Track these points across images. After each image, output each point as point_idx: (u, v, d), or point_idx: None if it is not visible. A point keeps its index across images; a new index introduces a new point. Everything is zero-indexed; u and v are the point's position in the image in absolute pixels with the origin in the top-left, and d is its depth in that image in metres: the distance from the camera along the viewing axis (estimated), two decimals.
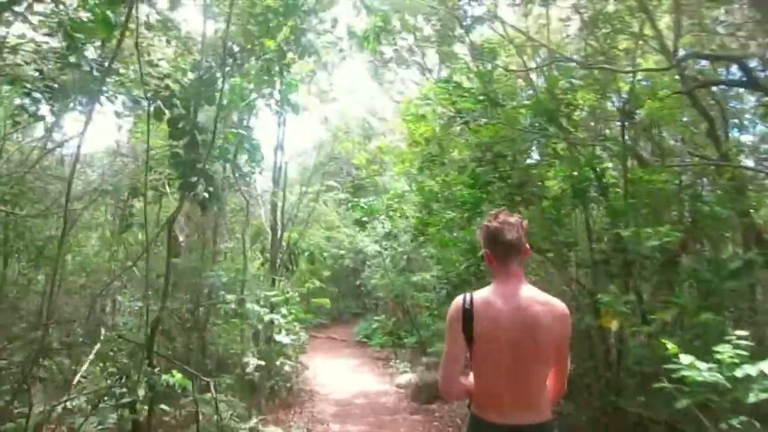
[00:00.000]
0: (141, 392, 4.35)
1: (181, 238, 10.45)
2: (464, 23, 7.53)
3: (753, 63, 6.08)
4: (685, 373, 3.00)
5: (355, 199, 11.01)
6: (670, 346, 3.15)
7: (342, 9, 10.88)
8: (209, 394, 5.51)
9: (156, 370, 5.06)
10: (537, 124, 6.15)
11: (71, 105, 4.96)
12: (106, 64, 3.94)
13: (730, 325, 4.16)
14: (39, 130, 7.18)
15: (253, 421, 6.57)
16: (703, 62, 7.41)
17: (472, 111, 6.45)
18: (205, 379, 5.34)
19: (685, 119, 7.40)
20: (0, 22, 4.01)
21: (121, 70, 5.09)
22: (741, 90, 7.50)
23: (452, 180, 8.19)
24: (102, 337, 7.76)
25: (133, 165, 10.49)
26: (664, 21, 6.98)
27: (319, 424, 7.71)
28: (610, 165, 7.89)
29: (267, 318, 5.23)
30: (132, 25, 4.38)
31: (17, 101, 5.54)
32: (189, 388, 4.56)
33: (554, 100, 6.69)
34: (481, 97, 6.30)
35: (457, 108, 6.53)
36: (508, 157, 6.25)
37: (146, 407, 4.78)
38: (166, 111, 4.05)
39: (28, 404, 4.82)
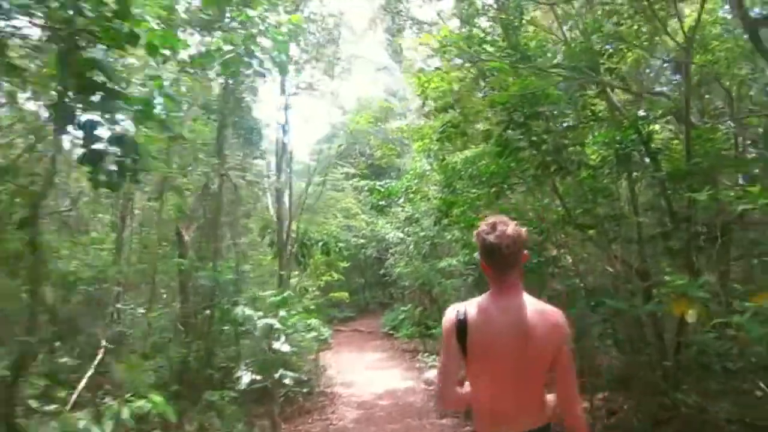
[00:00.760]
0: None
1: (186, 237, 9.76)
2: None
3: None
4: None
5: (372, 182, 10.10)
6: None
7: None
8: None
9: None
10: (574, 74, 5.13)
11: None
12: None
13: None
14: None
15: None
16: None
17: (494, 68, 5.47)
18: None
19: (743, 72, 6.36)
20: None
21: None
22: None
23: (476, 154, 7.24)
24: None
25: None
26: None
27: None
28: (657, 127, 6.94)
29: (261, 323, 4.38)
30: None
31: None
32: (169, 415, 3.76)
33: (591, 51, 5.70)
34: (506, 51, 5.31)
35: (478, 62, 5.55)
36: (540, 119, 5.26)
37: None
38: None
39: None
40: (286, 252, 7.96)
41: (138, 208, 9.95)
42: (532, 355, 2.17)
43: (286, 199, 8.66)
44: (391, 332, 16.04)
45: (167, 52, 3.35)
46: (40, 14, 2.89)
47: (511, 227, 2.22)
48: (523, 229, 2.28)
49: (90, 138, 2.88)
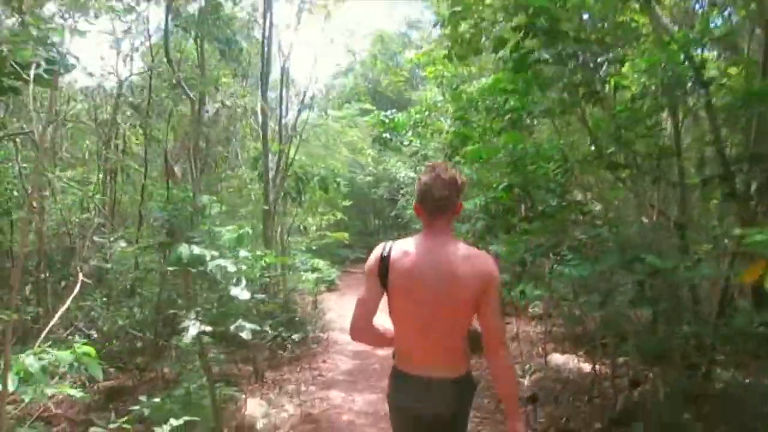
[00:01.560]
0: None
1: (177, 170, 9.02)
2: None
3: None
4: None
5: (376, 113, 9.08)
6: None
7: None
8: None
9: None
10: None
11: None
12: None
13: None
14: None
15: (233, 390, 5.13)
16: None
17: None
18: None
19: None
20: None
21: None
22: None
23: (494, 81, 6.20)
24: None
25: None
26: None
27: (320, 390, 6.19)
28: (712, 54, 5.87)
29: (213, 264, 3.57)
30: None
31: None
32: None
33: None
34: None
35: None
36: (568, 25, 4.19)
37: None
38: None
39: None
40: (273, 185, 7.09)
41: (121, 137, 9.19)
42: (454, 297, 2.14)
43: (276, 124, 7.74)
44: None
45: None
46: None
47: (449, 173, 2.21)
48: (462, 178, 2.27)
49: None
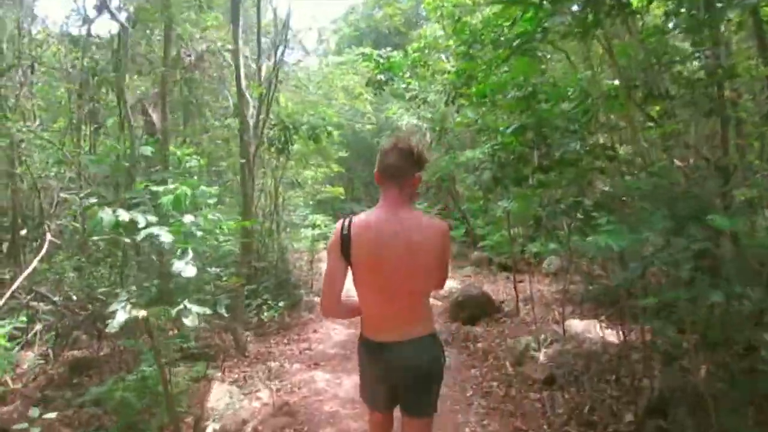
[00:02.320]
0: None
1: (155, 121, 8.18)
2: None
3: None
4: None
5: (369, 52, 8.04)
6: None
7: None
8: None
9: None
10: None
11: None
12: None
13: None
14: None
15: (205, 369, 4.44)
16: None
17: None
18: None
19: None
20: None
21: None
22: None
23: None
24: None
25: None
26: None
27: (305, 369, 5.47)
28: None
29: (143, 234, 2.78)
30: None
31: None
32: None
33: None
34: None
35: None
36: None
37: None
38: None
39: None
40: (255, 135, 6.21)
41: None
42: (414, 264, 2.21)
43: (253, 65, 6.81)
44: None
45: None
46: None
47: (406, 143, 2.29)
48: (424, 151, 2.34)
49: None
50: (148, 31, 8.55)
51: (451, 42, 7.37)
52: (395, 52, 8.03)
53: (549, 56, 5.66)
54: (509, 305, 7.70)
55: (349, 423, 3.99)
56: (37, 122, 8.40)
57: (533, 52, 4.41)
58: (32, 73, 8.40)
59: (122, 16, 6.45)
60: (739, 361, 3.43)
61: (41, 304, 6.19)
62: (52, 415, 3.56)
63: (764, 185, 3.72)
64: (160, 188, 3.12)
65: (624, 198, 3.24)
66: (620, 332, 4.85)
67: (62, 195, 7.09)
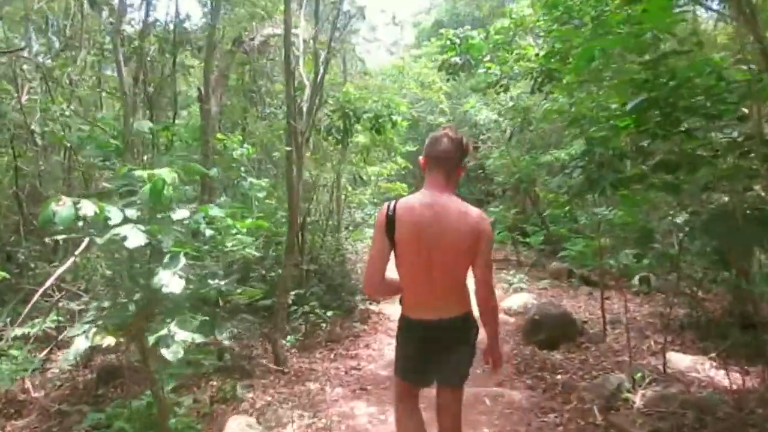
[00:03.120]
0: None
1: (213, 107, 7.67)
2: None
3: None
4: None
5: (445, 31, 7.07)
6: None
7: None
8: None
9: None
10: None
11: None
12: None
13: None
14: None
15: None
16: None
17: None
18: None
19: None
20: None
21: None
22: None
23: None
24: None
25: None
26: None
27: (347, 396, 4.62)
28: None
29: (110, 233, 2.06)
30: None
31: None
32: None
33: None
34: None
35: None
36: None
37: None
38: None
39: None
40: (307, 121, 5.44)
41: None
42: (452, 248, 2.32)
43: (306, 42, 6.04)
44: None
45: None
46: None
47: (456, 134, 2.46)
48: (470, 143, 2.54)
49: None
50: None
51: (540, 21, 6.32)
52: (475, 32, 7.05)
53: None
54: (593, 327, 6.59)
55: None
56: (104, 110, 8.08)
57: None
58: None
59: None
60: None
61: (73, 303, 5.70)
62: None
63: None
64: (144, 174, 2.37)
65: None
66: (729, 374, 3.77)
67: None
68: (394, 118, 6.70)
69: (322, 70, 5.34)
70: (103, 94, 8.06)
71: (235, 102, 8.66)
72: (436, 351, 2.43)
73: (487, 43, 6.83)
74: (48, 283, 4.07)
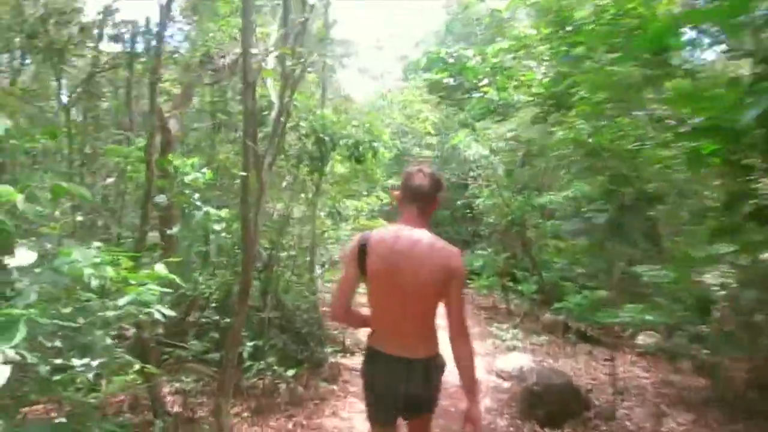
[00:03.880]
0: None
1: (174, 130, 6.93)
2: None
3: None
4: None
5: (436, 50, 6.33)
6: None
7: None
8: None
9: None
10: None
11: None
12: None
13: None
14: None
15: None
16: None
17: None
18: None
19: None
20: None
21: None
22: None
23: None
24: None
25: None
26: None
27: None
28: None
29: None
30: None
31: None
32: None
33: None
34: None
35: None
36: None
37: None
38: None
39: None
40: (271, 145, 4.57)
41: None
42: (422, 284, 2.30)
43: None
44: (467, 279, 12.51)
45: None
46: None
47: (431, 170, 2.52)
48: (442, 178, 2.55)
49: None
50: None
51: (544, 46, 5.59)
52: (470, 51, 6.30)
53: None
54: (600, 397, 5.69)
55: None
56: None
57: None
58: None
59: None
60: None
61: None
62: None
63: None
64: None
65: None
66: None
67: None
68: (375, 145, 5.86)
69: (290, 88, 4.51)
70: None
71: (202, 123, 7.82)
72: (402, 389, 2.37)
73: (484, 67, 6.09)
74: None
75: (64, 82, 7.19)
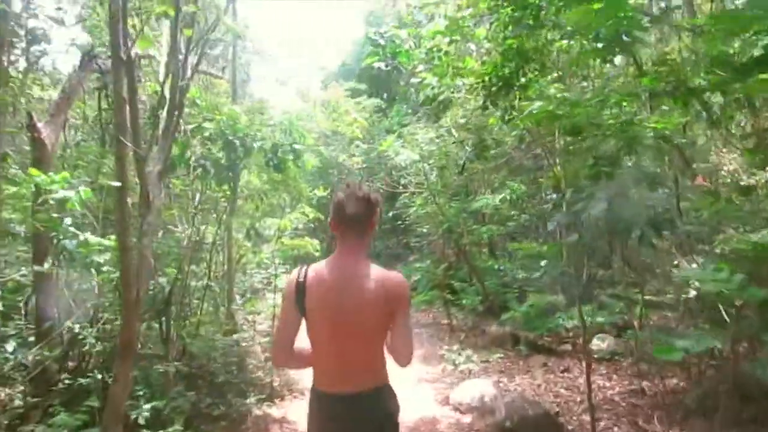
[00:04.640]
0: None
1: (50, 142, 5.81)
2: None
3: None
4: None
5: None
6: None
7: None
8: None
9: None
10: None
11: None
12: None
13: None
14: None
15: None
16: None
17: None
18: None
19: None
20: None
21: None
22: None
23: None
24: None
25: None
26: None
27: None
28: None
29: None
30: None
31: None
32: None
33: None
34: None
35: None
36: None
37: None
38: None
39: None
40: (159, 150, 3.51)
41: None
42: (366, 318, 2.15)
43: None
44: None
45: None
46: None
47: (363, 191, 2.25)
48: (378, 197, 2.31)
49: None
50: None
51: (479, 32, 4.82)
52: (403, 31, 5.48)
53: None
54: (570, 420, 4.96)
55: None
56: None
57: None
58: None
59: None
60: None
61: None
62: None
63: None
64: None
65: None
66: None
67: None
68: (297, 148, 4.89)
69: (184, 81, 3.50)
70: None
71: (89, 135, 6.57)
72: (350, 426, 2.16)
73: (419, 52, 5.31)
74: None
75: None
